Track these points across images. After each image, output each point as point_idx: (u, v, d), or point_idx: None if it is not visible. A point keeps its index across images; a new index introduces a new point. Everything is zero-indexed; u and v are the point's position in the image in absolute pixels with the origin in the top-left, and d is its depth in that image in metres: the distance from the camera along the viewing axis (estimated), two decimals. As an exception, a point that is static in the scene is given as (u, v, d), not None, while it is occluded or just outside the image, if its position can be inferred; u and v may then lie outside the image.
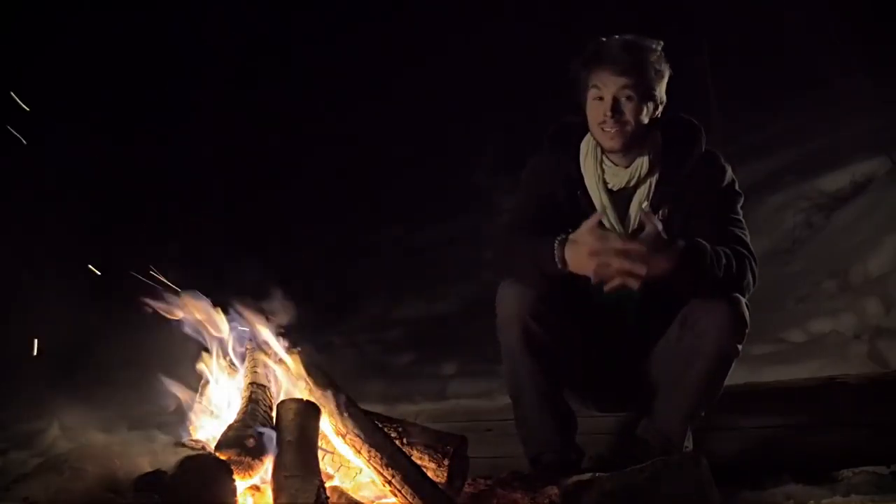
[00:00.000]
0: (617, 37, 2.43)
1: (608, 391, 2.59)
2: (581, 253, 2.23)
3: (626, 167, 2.47)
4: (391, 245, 9.76)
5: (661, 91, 2.43)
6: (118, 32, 10.00)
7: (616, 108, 2.37)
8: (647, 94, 2.39)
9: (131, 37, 10.19)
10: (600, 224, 2.30)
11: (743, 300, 2.34)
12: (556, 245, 2.28)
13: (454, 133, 10.31)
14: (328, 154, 10.76)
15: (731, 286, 2.32)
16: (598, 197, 2.49)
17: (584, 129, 2.54)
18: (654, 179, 2.47)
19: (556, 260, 2.27)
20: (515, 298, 2.41)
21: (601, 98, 2.40)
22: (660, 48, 2.43)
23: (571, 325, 2.46)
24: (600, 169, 2.49)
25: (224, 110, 10.57)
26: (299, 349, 2.33)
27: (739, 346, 2.35)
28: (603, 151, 2.49)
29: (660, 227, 2.22)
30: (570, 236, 2.27)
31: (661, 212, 2.46)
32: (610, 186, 2.49)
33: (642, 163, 2.45)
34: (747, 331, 2.34)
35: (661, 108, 2.45)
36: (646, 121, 2.41)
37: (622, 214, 2.48)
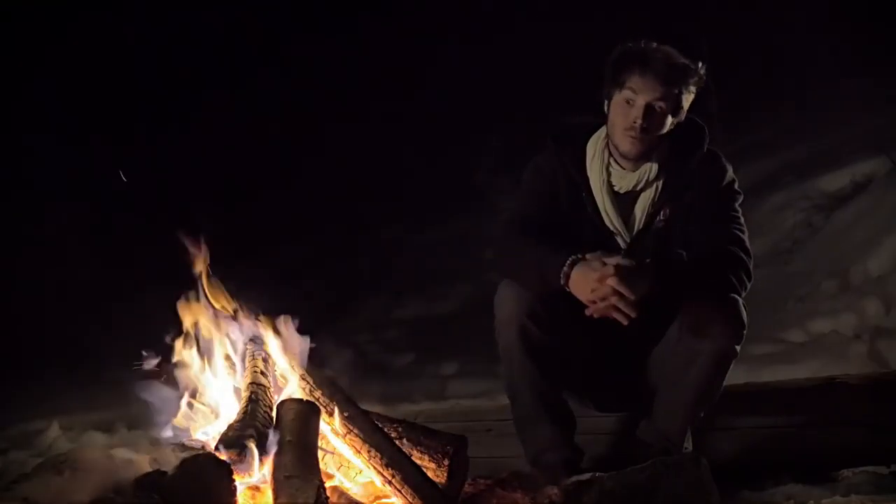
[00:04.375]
0: (660, 46, 2.41)
1: (607, 392, 2.59)
2: (585, 278, 2.24)
3: (634, 171, 2.47)
4: (391, 245, 9.76)
5: (685, 108, 2.44)
6: (117, 31, 10.01)
7: (647, 116, 2.36)
8: (675, 110, 2.40)
9: (131, 35, 10.19)
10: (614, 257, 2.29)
11: (739, 300, 2.35)
12: (567, 262, 2.28)
13: (454, 133, 10.30)
14: (328, 154, 10.77)
15: (722, 287, 2.33)
16: (601, 200, 2.49)
17: (588, 131, 2.54)
18: (660, 182, 2.47)
19: (562, 275, 2.28)
20: (513, 300, 2.41)
21: (630, 102, 2.38)
22: (703, 71, 2.42)
23: (570, 326, 2.46)
24: (606, 172, 2.49)
25: (224, 109, 10.58)
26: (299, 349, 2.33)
27: (737, 347, 2.35)
28: (610, 155, 2.49)
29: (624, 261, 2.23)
30: (585, 260, 2.27)
31: (662, 212, 2.47)
32: (616, 189, 2.49)
33: (650, 168, 2.46)
34: (745, 331, 2.35)
35: (676, 123, 2.45)
36: (665, 132, 2.42)
37: (626, 216, 2.48)
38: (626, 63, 2.39)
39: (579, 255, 2.28)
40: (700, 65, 2.43)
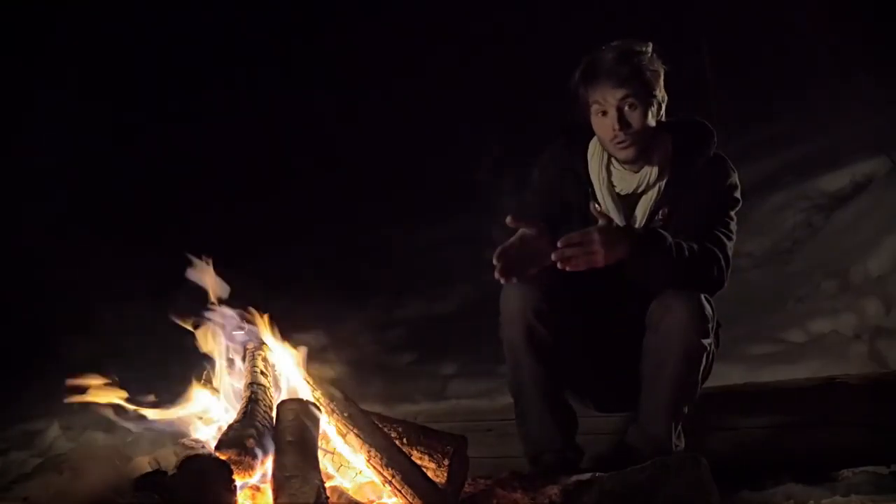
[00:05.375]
0: (606, 47, 2.42)
1: (608, 391, 2.59)
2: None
3: (636, 172, 2.47)
4: (391, 245, 9.75)
5: (660, 90, 2.43)
6: (119, 30, 10.01)
7: (622, 120, 2.37)
8: (648, 99, 2.39)
9: (131, 34, 10.19)
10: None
11: (701, 295, 2.34)
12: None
13: (454, 133, 10.30)
14: (328, 154, 10.76)
15: (691, 280, 2.33)
16: (603, 199, 2.50)
17: (592, 129, 2.54)
18: (662, 184, 2.47)
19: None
20: (519, 297, 2.41)
21: (605, 113, 2.39)
22: (650, 49, 2.42)
23: (574, 325, 2.47)
24: (605, 172, 2.50)
25: (225, 109, 10.58)
26: (299, 349, 2.33)
27: (705, 341, 2.34)
28: (610, 156, 2.49)
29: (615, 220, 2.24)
30: None
31: (661, 211, 2.47)
32: (617, 190, 2.49)
33: (651, 171, 2.45)
34: (710, 325, 2.34)
35: (664, 107, 2.45)
36: (653, 123, 2.41)
37: (628, 217, 2.48)
38: (583, 82, 2.42)
39: None
40: (646, 46, 2.41)
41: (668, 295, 2.33)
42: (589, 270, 2.23)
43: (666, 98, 2.45)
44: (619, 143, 2.39)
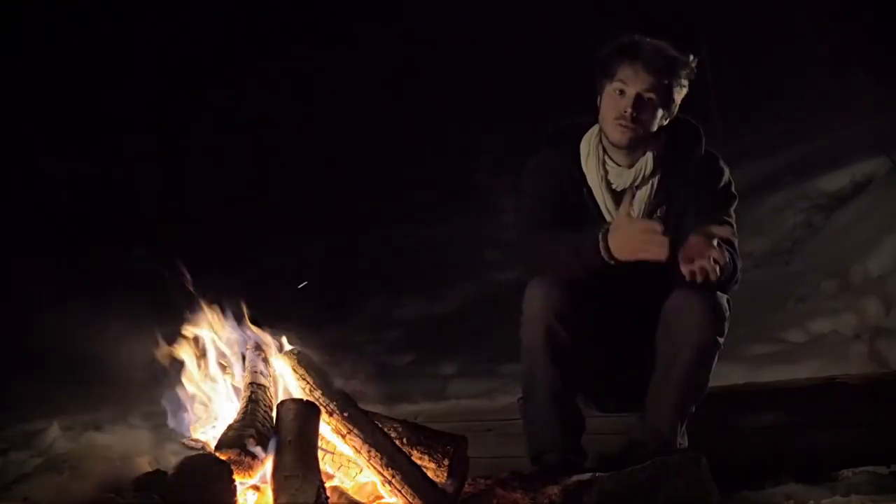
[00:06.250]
0: (652, 39, 2.43)
1: (613, 392, 2.59)
2: (624, 238, 2.24)
3: (630, 167, 2.47)
4: (391, 245, 9.76)
5: (676, 105, 2.45)
6: (117, 32, 10.02)
7: (637, 105, 2.37)
8: (666, 102, 2.41)
9: (129, 37, 10.20)
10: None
11: (722, 294, 2.36)
12: (599, 237, 2.28)
13: (454, 133, 10.30)
14: (327, 154, 10.76)
15: (723, 281, 2.34)
16: (601, 197, 2.50)
17: (582, 131, 2.54)
18: (656, 179, 2.48)
19: (602, 251, 2.27)
20: (542, 299, 2.41)
21: (622, 92, 2.39)
22: (694, 64, 2.44)
23: (590, 328, 2.47)
24: (603, 170, 2.50)
25: (224, 110, 10.58)
26: (299, 349, 2.33)
27: (720, 339, 2.36)
28: (605, 152, 2.49)
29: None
30: (612, 225, 2.29)
31: (659, 209, 2.47)
32: (614, 186, 2.50)
33: (646, 163, 2.46)
34: (726, 323, 2.36)
35: (669, 119, 2.46)
36: (655, 127, 2.42)
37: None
38: (616, 55, 2.42)
39: (606, 226, 2.30)
40: (691, 58, 2.44)
41: (686, 292, 2.34)
42: (610, 274, 2.25)
43: (675, 114, 2.47)
44: (622, 123, 2.39)
